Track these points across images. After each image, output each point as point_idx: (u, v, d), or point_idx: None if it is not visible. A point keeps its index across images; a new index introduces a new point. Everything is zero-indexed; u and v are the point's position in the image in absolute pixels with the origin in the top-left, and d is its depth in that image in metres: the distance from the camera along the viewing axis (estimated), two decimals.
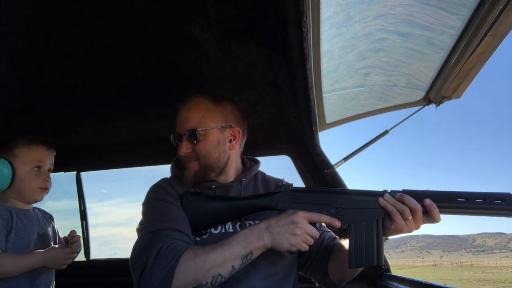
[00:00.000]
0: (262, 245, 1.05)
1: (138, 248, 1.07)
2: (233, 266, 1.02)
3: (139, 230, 1.13)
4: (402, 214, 1.05)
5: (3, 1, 0.99)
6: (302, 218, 1.07)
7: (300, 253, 1.29)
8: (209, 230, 1.19)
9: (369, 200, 1.11)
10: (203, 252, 1.02)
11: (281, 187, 1.17)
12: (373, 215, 1.10)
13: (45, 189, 1.53)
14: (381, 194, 1.09)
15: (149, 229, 1.09)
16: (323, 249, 1.31)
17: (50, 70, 1.37)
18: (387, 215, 1.07)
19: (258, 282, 1.15)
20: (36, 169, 1.50)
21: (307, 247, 1.08)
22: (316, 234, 1.09)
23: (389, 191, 1.11)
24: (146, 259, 1.00)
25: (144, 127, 1.97)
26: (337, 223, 1.09)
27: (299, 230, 1.05)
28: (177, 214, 1.14)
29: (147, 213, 1.16)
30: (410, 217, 1.05)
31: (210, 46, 1.23)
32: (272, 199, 1.16)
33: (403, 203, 1.05)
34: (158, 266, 0.99)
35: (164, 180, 1.29)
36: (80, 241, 1.57)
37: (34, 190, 1.50)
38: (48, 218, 1.64)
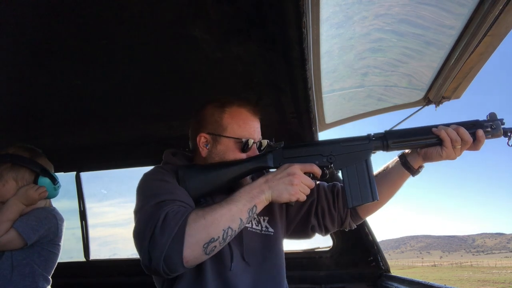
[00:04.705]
0: (263, 198, 1.10)
1: (142, 220, 1.05)
2: (241, 219, 1.05)
3: (138, 210, 1.10)
4: (454, 142, 1.14)
5: (3, 2, 0.99)
6: (297, 169, 1.12)
7: (310, 209, 1.34)
8: (208, 199, 1.20)
9: (356, 144, 1.20)
10: (210, 209, 1.04)
11: (272, 146, 1.21)
12: (362, 157, 1.19)
13: None
14: (366, 138, 1.20)
15: (151, 203, 1.07)
16: (338, 196, 1.36)
17: (50, 70, 1.38)
18: (439, 143, 1.16)
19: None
20: None
21: (305, 197, 1.13)
22: (312, 183, 1.14)
23: (372, 134, 1.20)
24: (154, 224, 1.00)
25: (144, 127, 1.97)
26: (320, 172, 1.17)
27: (296, 180, 1.11)
28: (178, 189, 1.15)
29: (147, 191, 1.14)
30: (459, 146, 1.14)
31: (210, 46, 1.23)
32: (266, 159, 1.20)
33: (457, 134, 1.14)
34: (167, 227, 0.99)
35: (158, 166, 1.29)
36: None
37: None
38: None
